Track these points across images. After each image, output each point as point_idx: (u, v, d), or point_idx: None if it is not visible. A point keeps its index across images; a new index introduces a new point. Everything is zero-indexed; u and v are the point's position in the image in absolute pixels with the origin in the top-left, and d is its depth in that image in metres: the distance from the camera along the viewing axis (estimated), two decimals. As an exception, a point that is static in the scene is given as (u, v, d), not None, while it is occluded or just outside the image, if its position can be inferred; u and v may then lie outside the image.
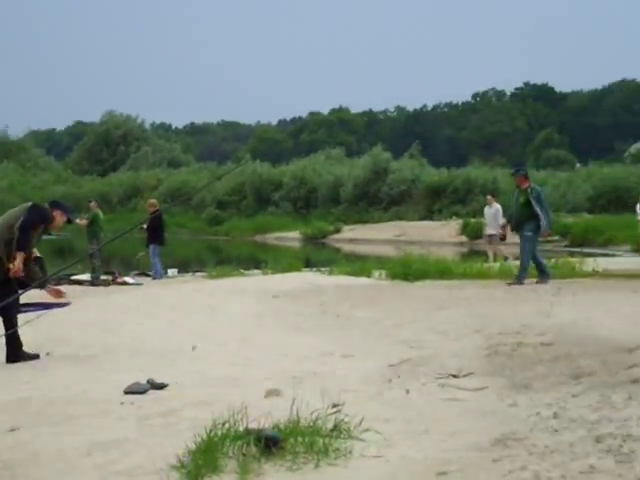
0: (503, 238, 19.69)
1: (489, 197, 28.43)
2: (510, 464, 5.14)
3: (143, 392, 7.73)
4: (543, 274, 17.21)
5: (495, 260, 23.99)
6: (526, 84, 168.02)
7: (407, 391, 7.54)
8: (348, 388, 7.66)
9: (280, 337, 11.37)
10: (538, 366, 8.10)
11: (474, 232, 45.76)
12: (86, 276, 23.90)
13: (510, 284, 16.80)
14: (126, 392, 7.73)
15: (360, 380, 8.14)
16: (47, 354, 10.60)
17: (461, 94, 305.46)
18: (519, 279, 16.98)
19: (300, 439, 5.65)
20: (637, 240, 31.12)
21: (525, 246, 17.31)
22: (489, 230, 25.99)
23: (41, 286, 10.60)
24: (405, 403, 7.15)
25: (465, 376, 8.09)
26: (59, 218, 10.90)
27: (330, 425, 5.95)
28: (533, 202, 17.13)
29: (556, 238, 46.77)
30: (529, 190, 17.40)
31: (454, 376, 8.09)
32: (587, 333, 9.56)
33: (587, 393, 6.71)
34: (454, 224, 52.04)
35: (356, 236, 56.54)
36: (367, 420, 6.15)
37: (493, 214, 26.22)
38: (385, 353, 9.53)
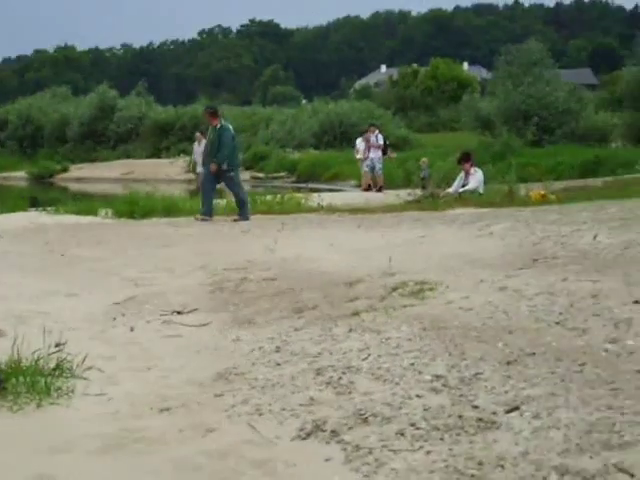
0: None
1: (198, 134, 28.42)
2: (232, 398, 5.22)
3: None
4: (242, 210, 17.46)
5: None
6: (252, 21, 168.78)
7: (131, 328, 7.51)
8: (72, 327, 7.53)
9: (1, 277, 10.99)
10: (261, 301, 8.22)
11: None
12: None
13: (236, 220, 16.99)
14: None
15: (84, 319, 8.01)
16: None
17: (187, 31, 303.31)
18: (205, 214, 17.25)
19: (22, 379, 5.54)
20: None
21: (233, 185, 17.71)
22: (199, 168, 25.90)
23: None
24: (129, 340, 7.12)
25: (189, 312, 8.11)
26: None
27: (52, 364, 5.85)
28: (216, 140, 17.41)
29: (283, 174, 47.65)
30: (217, 127, 17.60)
31: (178, 313, 8.10)
32: (310, 267, 9.77)
33: (309, 327, 6.85)
34: (182, 162, 51.83)
35: (84, 175, 55.51)
36: (90, 358, 6.09)
37: (202, 152, 26.19)
38: (111, 291, 9.39)
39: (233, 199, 18.07)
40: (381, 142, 30.73)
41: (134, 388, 5.70)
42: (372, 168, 30.47)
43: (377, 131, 31.33)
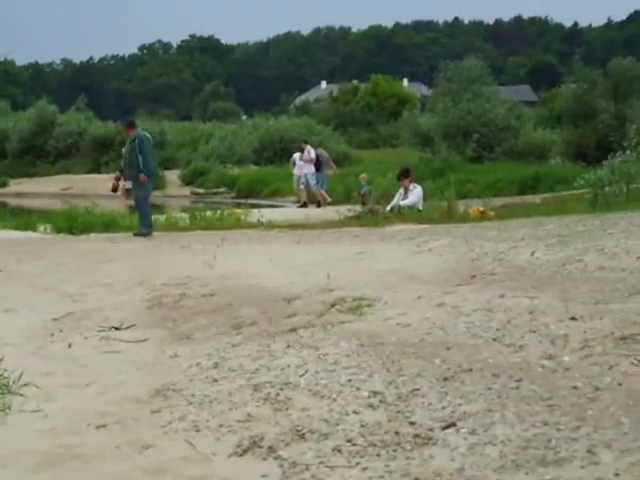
0: (114, 189, 19.40)
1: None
2: (169, 415, 5.20)
3: None
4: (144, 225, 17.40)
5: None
6: (192, 36, 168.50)
7: (69, 345, 7.47)
8: (9, 342, 7.51)
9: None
10: (200, 317, 8.21)
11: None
12: None
13: (136, 234, 16.96)
14: None
15: (22, 334, 7.96)
16: None
17: (128, 46, 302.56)
18: (145, 228, 17.15)
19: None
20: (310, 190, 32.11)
21: (139, 195, 17.54)
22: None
23: None
24: (66, 356, 7.08)
25: (128, 328, 8.08)
26: None
27: (-13, 381, 5.79)
28: (136, 150, 17.27)
29: (223, 190, 47.52)
30: (134, 139, 17.49)
31: (116, 328, 8.06)
32: (249, 283, 9.77)
33: (247, 343, 6.86)
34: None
35: (23, 190, 54.94)
36: (27, 374, 6.06)
37: None
38: (49, 307, 9.34)
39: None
40: (313, 156, 31.07)
41: (71, 404, 5.66)
42: (306, 184, 30.85)
43: (308, 146, 31.77)
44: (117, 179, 18.99)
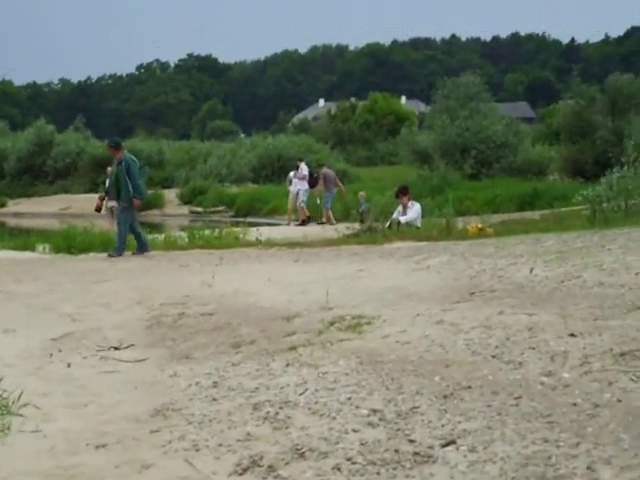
0: (98, 209, 19.40)
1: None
2: (169, 434, 5.19)
3: None
4: (141, 245, 17.49)
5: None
6: (190, 55, 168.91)
7: (68, 364, 7.46)
8: (8, 363, 7.50)
9: None
10: (199, 336, 8.21)
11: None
12: None
13: (110, 255, 16.98)
14: None
15: (20, 355, 7.95)
16: None
17: (125, 66, 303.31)
18: (118, 250, 17.18)
19: (-46, 418, 5.47)
20: (297, 209, 32.23)
21: (121, 216, 17.57)
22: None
23: None
24: (66, 377, 7.07)
25: (126, 348, 8.07)
26: None
27: (-13, 402, 5.79)
28: (123, 172, 17.35)
29: (221, 208, 47.54)
30: (121, 161, 17.57)
31: (115, 348, 8.05)
32: (248, 302, 9.77)
33: (247, 361, 6.85)
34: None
35: (21, 210, 54.92)
36: (26, 395, 6.06)
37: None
38: (48, 327, 9.33)
39: (116, 229, 17.87)
40: (305, 173, 31.30)
41: (71, 424, 5.65)
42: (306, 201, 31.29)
43: (302, 164, 32.29)
44: (101, 199, 19.03)
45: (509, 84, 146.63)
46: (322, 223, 29.91)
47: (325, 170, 32.63)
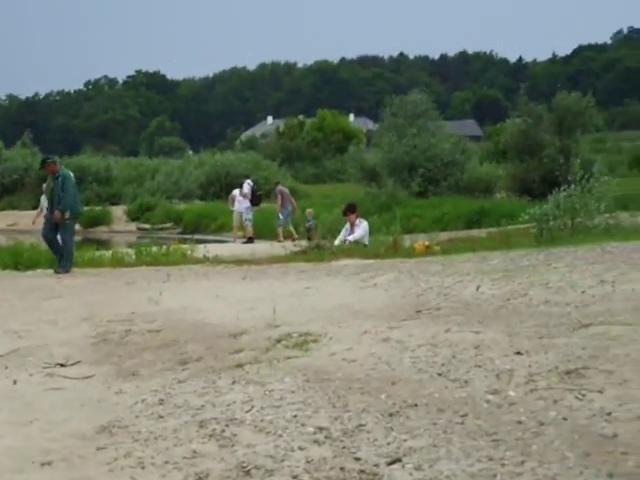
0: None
1: (44, 185, 28.26)
2: (115, 452, 5.16)
3: None
4: (65, 263, 17.33)
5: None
6: (138, 72, 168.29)
7: (14, 381, 7.38)
8: (-48, 381, 7.40)
9: None
10: (146, 353, 8.17)
11: (87, 220, 45.44)
12: None
13: (57, 272, 16.90)
14: None
15: (-35, 373, 7.85)
16: None
17: (73, 82, 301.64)
18: (65, 267, 17.08)
19: None
20: (243, 227, 32.20)
21: (66, 232, 17.55)
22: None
23: None
24: (11, 394, 6.99)
25: (73, 365, 8.00)
26: None
27: None
28: (58, 187, 17.38)
29: (169, 225, 47.37)
30: (58, 176, 17.58)
31: (62, 365, 7.98)
32: (195, 319, 9.74)
33: (193, 379, 6.83)
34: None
35: (-32, 227, 54.39)
36: (-29, 414, 5.97)
37: None
38: (-8, 345, 9.22)
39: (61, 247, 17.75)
40: (246, 191, 31.32)
41: (15, 442, 5.59)
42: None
43: (247, 181, 32.47)
44: (38, 215, 19.04)
45: (457, 102, 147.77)
46: (294, 239, 29.73)
47: (280, 187, 32.69)
